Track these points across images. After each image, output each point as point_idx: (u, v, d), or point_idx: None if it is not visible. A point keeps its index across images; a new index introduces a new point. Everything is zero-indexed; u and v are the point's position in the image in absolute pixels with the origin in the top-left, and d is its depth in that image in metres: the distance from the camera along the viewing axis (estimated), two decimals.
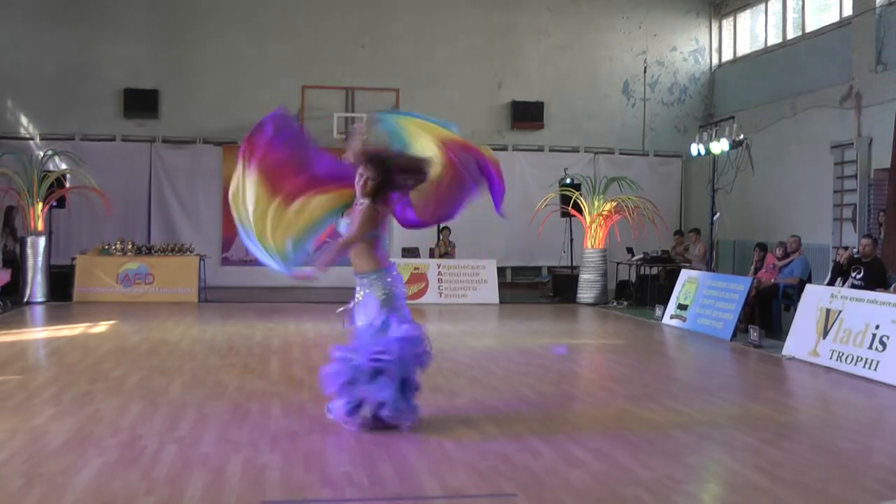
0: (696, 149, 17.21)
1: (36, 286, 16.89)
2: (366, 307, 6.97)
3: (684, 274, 15.45)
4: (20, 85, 20.56)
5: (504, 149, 22.32)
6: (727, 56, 22.90)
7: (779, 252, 14.65)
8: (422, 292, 18.21)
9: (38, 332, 13.41)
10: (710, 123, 19.05)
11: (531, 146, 22.57)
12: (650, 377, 9.93)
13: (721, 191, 16.74)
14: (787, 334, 11.79)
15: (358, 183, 7.02)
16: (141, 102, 20.85)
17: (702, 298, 14.28)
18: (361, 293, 7.03)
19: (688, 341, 13.40)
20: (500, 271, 20.03)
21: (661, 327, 14.84)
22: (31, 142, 20.40)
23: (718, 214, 16.63)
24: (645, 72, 23.03)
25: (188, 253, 18.20)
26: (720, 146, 16.13)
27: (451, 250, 19.54)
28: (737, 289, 13.58)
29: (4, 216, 17.99)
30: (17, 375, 9.28)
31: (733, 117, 16.93)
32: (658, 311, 15.51)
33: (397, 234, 21.51)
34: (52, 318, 14.80)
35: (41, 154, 18.80)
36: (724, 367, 11.45)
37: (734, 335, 13.03)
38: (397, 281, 7.08)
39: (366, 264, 7.01)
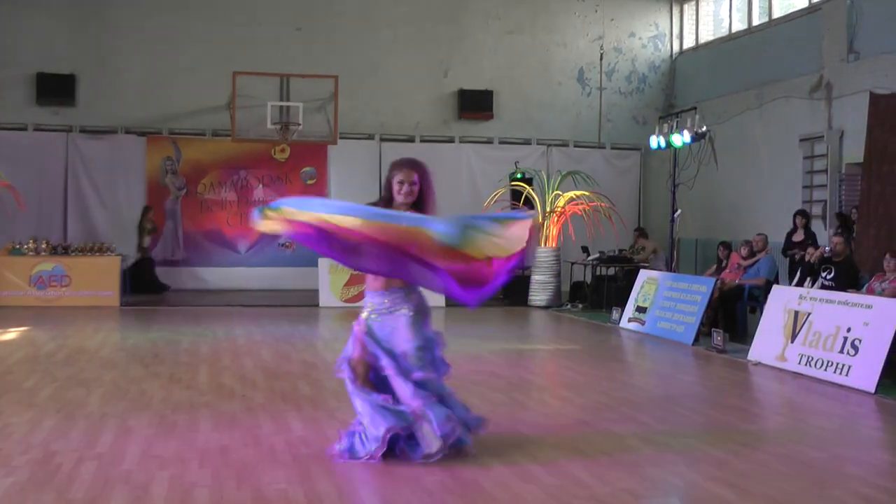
0: (655, 141, 17.33)
1: None
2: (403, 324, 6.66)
3: (643, 274, 15.59)
4: None
5: (451, 140, 22.39)
6: (689, 43, 23.14)
7: (744, 251, 14.85)
8: (362, 294, 18.10)
9: None
10: (670, 114, 19.22)
11: (480, 138, 22.62)
12: (607, 384, 9.99)
13: (682, 186, 16.89)
14: (752, 338, 11.95)
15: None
16: (56, 88, 20.50)
17: (662, 300, 14.41)
18: (391, 310, 6.74)
19: (647, 346, 13.52)
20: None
21: (618, 331, 14.95)
22: None
23: (679, 211, 16.78)
24: (601, 59, 23.20)
25: (108, 253, 17.98)
26: (681, 139, 16.28)
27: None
28: (699, 290, 13.73)
29: (141, 215, 19.32)
30: None
31: (695, 108, 17.09)
32: (615, 314, 15.62)
33: None
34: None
35: None
36: (686, 373, 11.56)
37: (696, 339, 13.17)
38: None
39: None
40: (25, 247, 17.53)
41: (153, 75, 20.98)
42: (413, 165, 6.79)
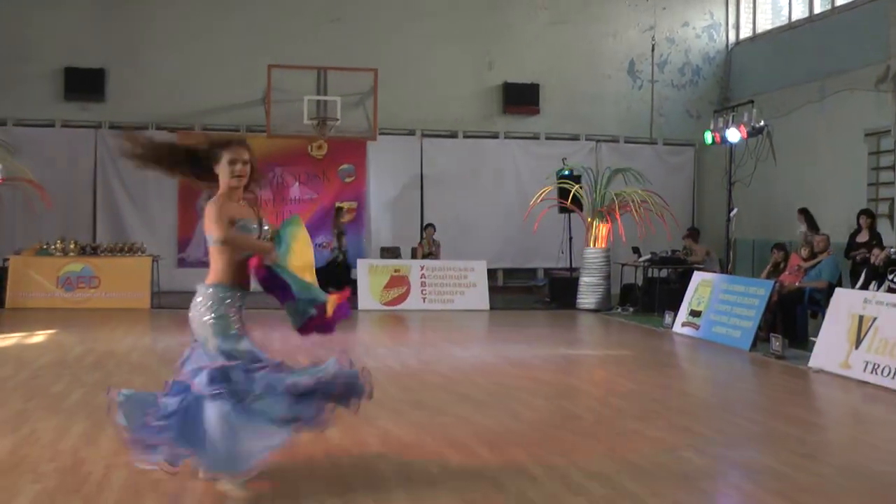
0: (710, 137, 17.23)
1: None
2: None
3: (697, 276, 15.48)
4: None
5: (495, 136, 22.38)
6: (746, 32, 22.96)
7: (804, 252, 14.69)
8: (403, 297, 18.21)
9: None
10: (726, 108, 19.08)
11: (525, 133, 22.58)
12: (659, 392, 9.92)
13: (739, 184, 16.77)
14: (813, 344, 11.81)
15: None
16: (84, 83, 20.73)
17: (717, 304, 14.30)
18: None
19: (701, 352, 13.42)
20: (491, 274, 20.08)
21: (671, 336, 14.85)
22: None
23: (736, 210, 16.65)
24: (653, 50, 23.08)
25: (139, 253, 18.14)
26: (738, 134, 16.16)
27: (436, 250, 19.55)
28: (757, 293, 13.60)
29: (335, 216, 19.80)
30: None
31: (752, 101, 16.96)
32: (668, 318, 15.52)
33: (375, 231, 21.54)
34: None
35: None
36: (743, 380, 11.46)
37: (754, 345, 13.04)
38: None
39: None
40: (53, 247, 17.72)
41: (185, 69, 21.13)
42: (242, 143, 6.47)
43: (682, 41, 23.33)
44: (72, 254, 17.72)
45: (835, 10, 19.28)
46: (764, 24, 22.31)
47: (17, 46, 20.50)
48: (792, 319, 14.10)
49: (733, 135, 16.24)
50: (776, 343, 12.40)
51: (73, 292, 17.41)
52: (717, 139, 16.96)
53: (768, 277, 14.77)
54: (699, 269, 16.57)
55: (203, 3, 21.28)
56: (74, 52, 20.70)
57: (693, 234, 19.14)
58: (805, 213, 16.98)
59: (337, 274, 18.77)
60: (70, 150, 20.56)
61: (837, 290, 12.31)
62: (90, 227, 20.63)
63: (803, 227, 16.82)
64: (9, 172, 18.23)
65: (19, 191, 18.22)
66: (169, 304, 17.99)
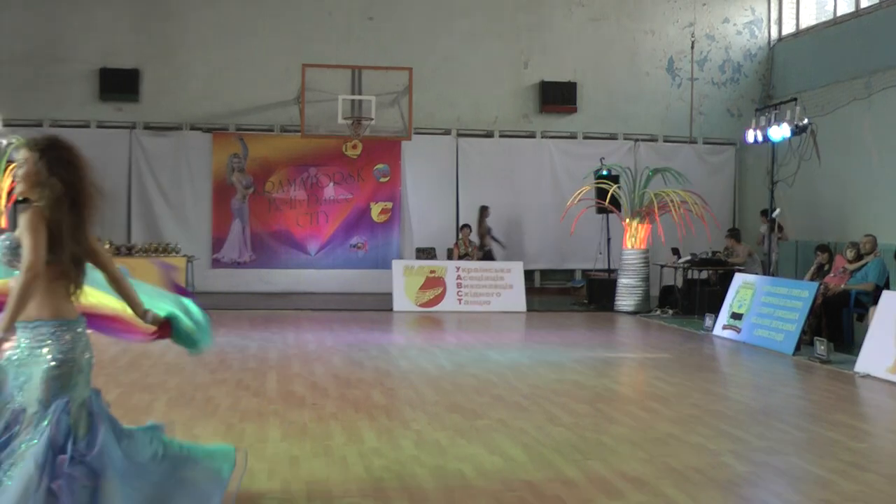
0: (752, 135, 17.11)
1: None
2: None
3: (738, 278, 15.38)
4: None
5: (532, 135, 22.35)
6: (789, 28, 22.78)
7: (850, 254, 14.54)
8: (438, 299, 18.21)
9: None
10: (768, 106, 18.92)
11: (562, 132, 22.54)
12: (699, 397, 9.87)
13: (781, 183, 16.64)
14: (860, 348, 11.71)
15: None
16: (119, 84, 20.92)
17: (759, 306, 14.20)
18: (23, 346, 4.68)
19: (743, 355, 13.33)
20: (528, 275, 20.07)
21: (711, 339, 14.77)
22: None
23: (778, 211, 16.54)
24: (693, 47, 22.95)
25: (173, 254, 18.27)
26: (780, 132, 16.04)
27: (473, 251, 19.55)
28: (800, 295, 13.49)
29: (479, 215, 20.13)
30: None
31: (796, 99, 16.83)
32: (708, 321, 15.44)
33: (410, 232, 21.57)
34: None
35: (4, 142, 18.87)
36: (786, 385, 11.37)
37: (797, 349, 12.94)
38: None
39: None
40: None
41: (219, 69, 21.28)
42: (22, 143, 5.28)
43: (723, 38, 23.19)
44: (102, 257, 17.82)
45: (881, 4, 19.06)
46: (808, 20, 22.12)
47: (53, 48, 20.72)
48: (837, 323, 13.97)
49: (776, 133, 16.12)
50: (821, 347, 12.29)
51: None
52: (759, 138, 16.84)
53: (812, 279, 14.66)
54: (740, 271, 16.47)
55: (237, 4, 21.39)
56: (109, 52, 20.90)
57: (735, 234, 19.02)
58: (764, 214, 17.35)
59: None
60: (105, 151, 20.64)
61: (885, 292, 12.19)
62: (125, 228, 20.80)
63: (763, 228, 17.41)
64: None
65: None
66: (203, 304, 18.01)
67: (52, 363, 4.59)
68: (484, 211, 20.80)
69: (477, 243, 20.24)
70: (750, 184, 22.85)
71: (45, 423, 4.52)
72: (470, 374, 10.79)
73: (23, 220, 4.61)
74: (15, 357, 4.62)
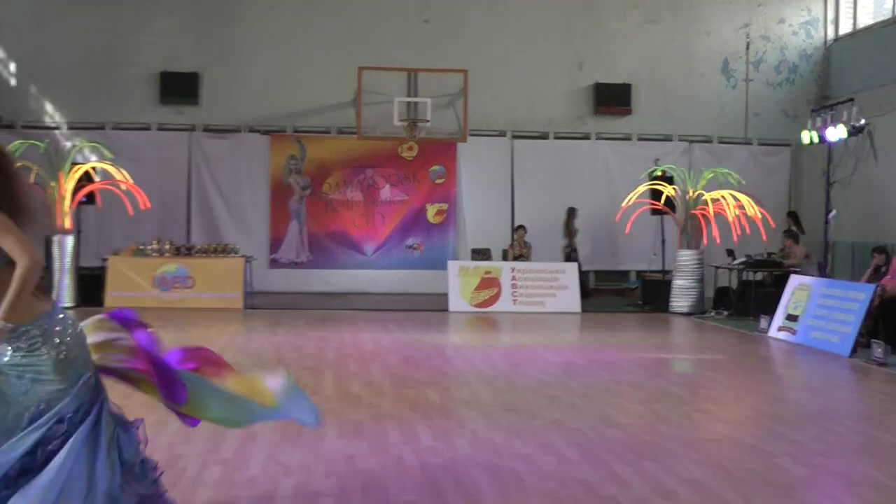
0: (807, 136, 16.98)
1: (63, 289, 17.26)
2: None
3: (794, 280, 15.23)
4: (45, 69, 20.98)
5: (586, 137, 22.28)
6: (846, 28, 22.48)
7: None
8: (493, 299, 18.20)
9: None
10: (824, 107, 18.75)
11: (617, 134, 22.44)
12: (754, 398, 9.80)
13: (838, 184, 16.51)
14: None
15: None
16: (179, 87, 21.17)
17: (815, 308, 14.04)
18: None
19: (798, 357, 13.20)
20: (583, 276, 19.99)
21: (766, 341, 14.64)
22: (58, 131, 20.81)
23: (834, 212, 16.38)
24: (748, 48, 22.75)
25: (232, 254, 18.43)
26: (837, 133, 15.90)
27: (527, 252, 19.54)
28: (857, 297, 13.32)
29: (567, 216, 20.18)
30: None
31: (853, 99, 16.65)
32: (763, 323, 15.30)
33: (465, 233, 21.59)
34: None
35: (68, 145, 19.18)
36: (843, 387, 11.25)
37: (854, 351, 12.78)
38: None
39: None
40: (149, 248, 18.10)
41: (277, 72, 21.46)
42: None
43: (778, 38, 22.95)
44: (167, 254, 18.09)
45: None
46: (865, 19, 21.81)
47: (115, 52, 21.00)
48: (894, 325, 13.79)
49: (832, 134, 15.94)
50: (878, 349, 12.14)
51: (169, 292, 17.77)
52: (816, 139, 16.68)
53: (869, 281, 14.47)
54: (796, 273, 16.30)
55: (294, 7, 21.55)
56: (170, 56, 21.15)
57: (792, 235, 18.80)
58: (793, 217, 16.98)
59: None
60: (165, 153, 20.98)
61: None
62: (185, 228, 21.05)
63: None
64: (107, 175, 18.66)
65: (116, 193, 18.64)
66: (261, 304, 18.26)
67: (58, 355, 4.68)
68: (572, 212, 20.79)
69: (567, 245, 20.55)
70: (806, 185, 22.59)
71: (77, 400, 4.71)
72: (525, 375, 10.80)
73: None
74: (14, 363, 4.64)
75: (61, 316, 4.83)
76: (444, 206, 21.77)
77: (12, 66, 21.03)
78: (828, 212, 16.36)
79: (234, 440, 7.32)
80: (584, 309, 18.33)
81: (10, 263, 4.59)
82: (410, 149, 21.46)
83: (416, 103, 19.82)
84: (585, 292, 19.85)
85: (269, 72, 21.45)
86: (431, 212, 21.73)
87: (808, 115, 18.33)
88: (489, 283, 18.33)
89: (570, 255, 20.51)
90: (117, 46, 21.02)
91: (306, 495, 5.96)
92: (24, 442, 4.56)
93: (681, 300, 18.23)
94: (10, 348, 4.62)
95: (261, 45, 21.45)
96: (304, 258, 21.41)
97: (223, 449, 7.07)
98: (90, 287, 17.76)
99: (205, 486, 6.11)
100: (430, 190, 21.72)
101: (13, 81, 21.05)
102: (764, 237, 18.07)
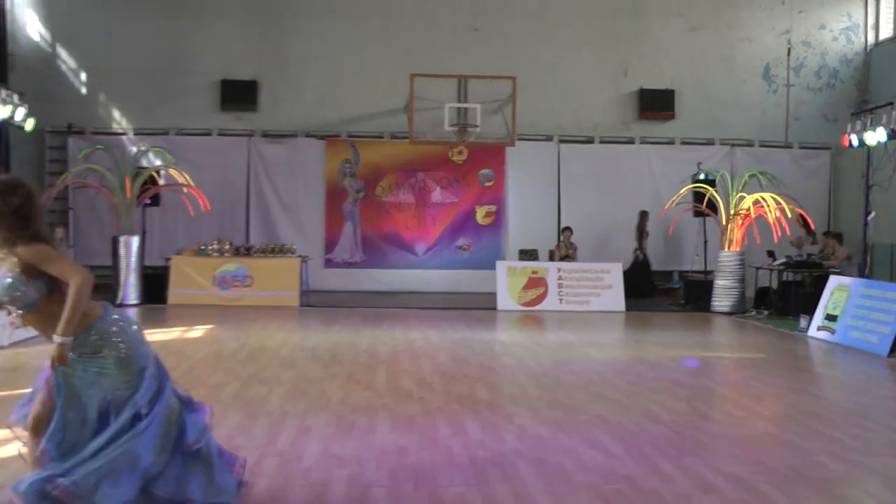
0: (847, 140, 16.76)
1: (129, 288, 17.49)
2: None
3: (833, 281, 15.05)
4: (113, 79, 21.35)
5: (631, 142, 22.20)
6: (886, 33, 22.18)
7: None
8: (540, 298, 18.18)
9: None
10: (864, 111, 18.52)
11: (661, 138, 22.33)
12: (794, 396, 9.70)
13: (877, 187, 16.28)
14: None
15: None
16: (239, 94, 21.41)
17: (854, 308, 13.87)
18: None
19: (837, 356, 13.04)
20: (650, 275, 19.96)
21: (806, 340, 14.48)
22: (124, 137, 21.14)
23: (874, 214, 16.16)
24: (789, 54, 22.53)
25: (289, 254, 18.56)
26: (876, 136, 15.68)
27: (573, 253, 19.48)
28: None
29: (640, 219, 20.33)
30: None
31: (892, 103, 16.43)
32: (803, 322, 15.14)
33: (513, 234, 21.60)
34: (146, 321, 15.25)
35: (134, 150, 19.43)
36: (881, 386, 11.09)
37: (892, 350, 12.59)
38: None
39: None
40: (210, 248, 18.29)
41: (332, 79, 21.60)
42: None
43: (819, 44, 22.70)
44: (227, 254, 18.26)
45: None
46: None
47: (179, 61, 21.30)
48: None
49: (872, 137, 15.74)
50: None
51: (229, 290, 17.93)
52: (855, 142, 16.48)
53: None
54: (835, 273, 16.10)
55: (349, 18, 21.66)
56: (230, 65, 21.39)
57: (837, 235, 18.55)
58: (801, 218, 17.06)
59: (641, 273, 20.11)
60: (225, 157, 21.20)
61: None
62: (244, 229, 21.26)
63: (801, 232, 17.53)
64: (170, 178, 18.90)
65: (179, 195, 18.86)
66: (317, 302, 18.37)
67: (118, 353, 4.89)
68: (644, 215, 20.72)
69: (637, 248, 20.76)
70: (845, 187, 22.32)
71: (145, 390, 4.94)
72: (570, 371, 10.77)
73: (34, 253, 4.77)
74: (81, 361, 4.85)
75: (115, 316, 5.01)
76: (493, 208, 21.77)
77: (83, 76, 21.37)
78: (867, 214, 16.15)
79: (290, 433, 7.38)
80: (628, 308, 18.24)
81: (51, 293, 4.82)
82: (460, 153, 21.50)
83: (465, 109, 19.83)
84: (650, 291, 19.83)
85: (324, 79, 21.61)
86: (480, 214, 21.75)
87: (848, 119, 18.12)
88: (536, 282, 18.30)
89: (638, 258, 20.49)
90: (180, 57, 21.30)
91: (359, 486, 6.00)
92: (104, 436, 4.82)
93: (722, 300, 18.08)
94: (74, 355, 4.80)
95: (316, 54, 21.60)
96: (357, 258, 21.52)
97: (280, 441, 7.14)
98: (154, 285, 17.97)
99: (262, 475, 6.16)
100: (480, 193, 21.73)
101: (84, 90, 21.39)
102: (804, 239, 17.87)
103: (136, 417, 4.89)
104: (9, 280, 4.79)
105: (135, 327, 5.11)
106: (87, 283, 4.75)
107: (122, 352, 4.91)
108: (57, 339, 4.72)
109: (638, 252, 20.61)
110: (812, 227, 17.67)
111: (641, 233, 20.71)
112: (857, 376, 11.67)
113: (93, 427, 4.87)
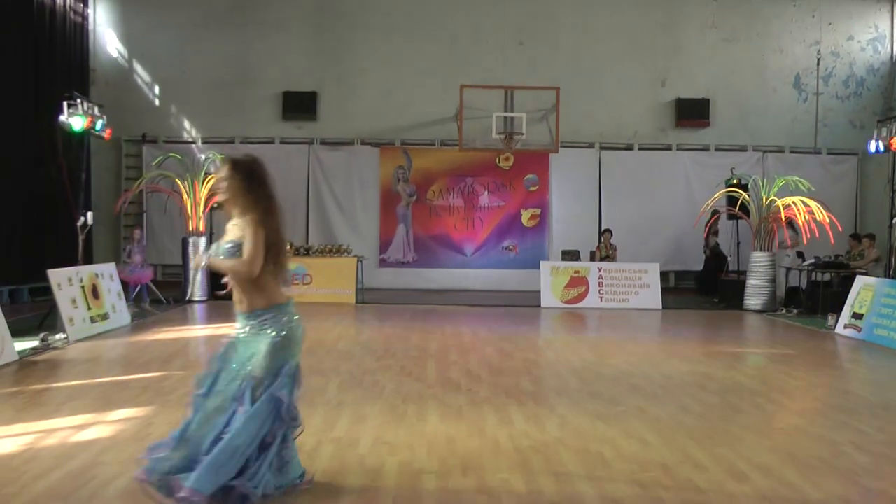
0: (874, 146, 16.54)
1: (197, 285, 17.72)
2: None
3: (860, 280, 14.86)
4: (184, 91, 21.64)
5: (668, 148, 22.06)
6: None
7: None
8: (582, 296, 18.13)
9: (199, 330, 14.04)
10: (890, 118, 18.23)
11: (696, 145, 22.17)
12: (821, 391, 9.61)
13: None
14: None
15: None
16: (299, 105, 21.57)
17: (879, 307, 13.70)
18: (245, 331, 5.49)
19: (864, 353, 12.88)
20: (664, 275, 19.82)
21: (833, 337, 14.31)
22: (193, 145, 21.38)
23: None
24: (818, 64, 22.27)
25: (346, 254, 18.67)
26: None
27: (613, 253, 19.40)
28: None
29: (710, 219, 19.90)
30: (180, 371, 9.78)
31: None
32: (830, 320, 14.98)
33: (556, 235, 21.56)
34: (213, 316, 15.45)
35: (202, 157, 19.65)
36: None
37: None
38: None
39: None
40: None
41: (386, 90, 21.70)
42: (224, 161, 5.83)
43: (847, 54, 22.42)
44: (288, 254, 18.35)
45: None
46: None
47: (244, 75, 21.52)
48: None
49: None
50: None
51: (289, 288, 18.00)
52: (881, 148, 16.26)
53: None
54: (862, 274, 15.89)
55: (402, 32, 21.75)
56: (291, 77, 21.57)
57: (870, 237, 18.25)
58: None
59: (715, 268, 19.88)
60: (286, 164, 21.32)
61: None
62: (304, 231, 21.42)
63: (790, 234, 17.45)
64: None
65: None
66: (371, 299, 18.46)
67: (276, 338, 5.31)
68: (714, 214, 20.54)
69: (706, 245, 20.43)
70: (871, 192, 22.02)
71: (274, 383, 5.27)
72: (610, 365, 10.75)
73: (246, 228, 5.48)
74: (244, 336, 5.36)
75: (291, 310, 5.59)
76: (538, 211, 21.75)
77: (157, 89, 21.67)
78: (892, 217, 15.90)
79: (345, 421, 7.44)
80: (665, 306, 18.14)
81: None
82: (507, 159, 21.51)
83: (512, 118, 19.79)
84: (714, 287, 19.64)
85: (379, 90, 21.71)
86: (526, 216, 21.73)
87: (875, 125, 17.84)
88: (578, 281, 18.26)
89: (709, 253, 20.38)
90: (245, 71, 21.53)
91: (410, 472, 6.04)
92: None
93: (754, 299, 17.92)
94: (247, 327, 5.36)
95: (372, 67, 21.72)
96: (410, 258, 21.59)
97: (336, 428, 7.20)
98: (220, 283, 18.07)
99: (319, 460, 6.23)
100: (525, 196, 21.72)
101: (157, 102, 21.69)
102: (832, 241, 17.64)
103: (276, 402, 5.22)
104: (229, 245, 5.49)
105: (300, 330, 5.55)
106: (245, 273, 5.39)
107: (278, 340, 5.31)
108: (211, 258, 5.54)
109: (707, 250, 20.38)
110: (802, 225, 17.41)
111: (709, 231, 20.36)
112: (882, 372, 11.52)
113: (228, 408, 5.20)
